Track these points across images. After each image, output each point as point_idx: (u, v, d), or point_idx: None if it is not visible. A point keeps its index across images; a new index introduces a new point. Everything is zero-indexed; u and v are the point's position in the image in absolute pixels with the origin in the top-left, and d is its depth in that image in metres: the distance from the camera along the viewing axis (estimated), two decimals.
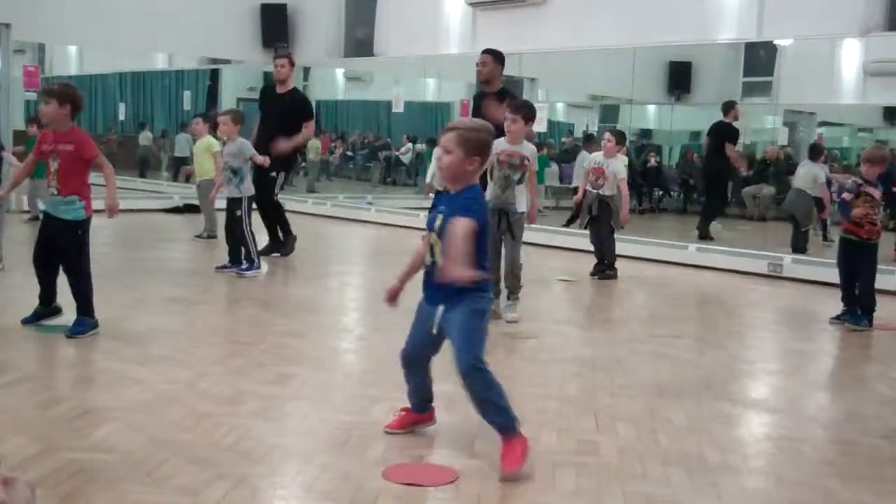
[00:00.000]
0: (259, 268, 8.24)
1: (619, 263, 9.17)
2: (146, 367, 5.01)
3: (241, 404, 4.40)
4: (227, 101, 17.42)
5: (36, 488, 2.97)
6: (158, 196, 15.30)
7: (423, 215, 11.76)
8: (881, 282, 8.65)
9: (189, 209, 13.59)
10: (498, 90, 7.72)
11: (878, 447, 4.24)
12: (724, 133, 11.80)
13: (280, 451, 3.78)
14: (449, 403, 4.53)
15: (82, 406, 4.26)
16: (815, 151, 11.19)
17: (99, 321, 5.73)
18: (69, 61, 17.30)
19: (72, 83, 5.91)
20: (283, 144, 9.25)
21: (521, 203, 6.67)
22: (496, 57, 7.80)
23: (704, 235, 11.56)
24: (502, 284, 6.73)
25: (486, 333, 3.79)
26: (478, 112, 7.97)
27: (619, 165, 8.97)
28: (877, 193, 6.89)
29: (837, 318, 7.17)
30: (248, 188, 8.22)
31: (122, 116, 18.18)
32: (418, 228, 11.68)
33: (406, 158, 18.25)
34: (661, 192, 16.67)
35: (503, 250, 6.71)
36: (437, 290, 3.68)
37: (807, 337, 7.06)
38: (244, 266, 8.22)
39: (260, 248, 8.67)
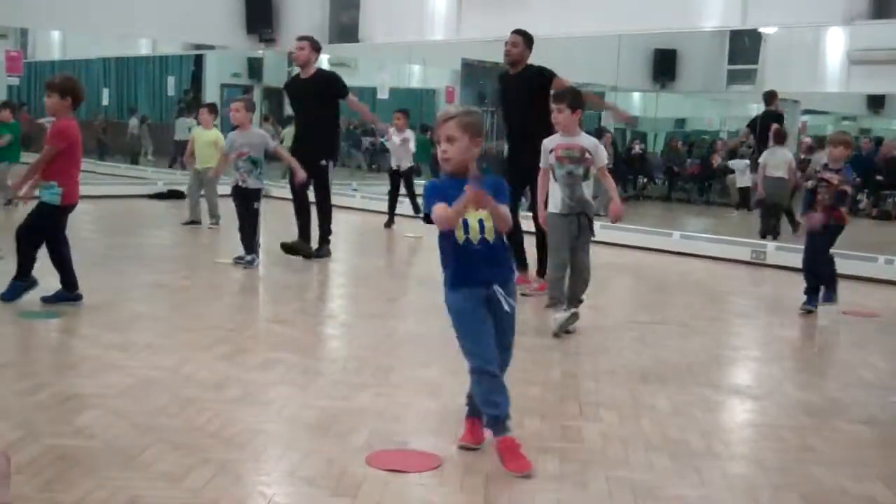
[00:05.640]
0: (257, 260, 8.13)
1: (602, 250, 9.17)
2: (130, 353, 5.00)
3: (225, 390, 4.39)
4: (211, 87, 17.33)
5: (10, 455, 2.97)
6: (142, 182, 15.21)
7: (408, 202, 11.76)
8: (857, 268, 8.75)
9: (173, 195, 13.51)
10: (521, 69, 7.50)
11: (859, 433, 4.26)
12: (777, 120, 11.53)
13: (264, 437, 3.78)
14: (434, 389, 4.54)
15: (65, 392, 4.24)
16: (779, 136, 11.19)
17: (42, 286, 6.01)
18: (52, 46, 17.16)
19: (73, 76, 6.18)
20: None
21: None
22: (526, 38, 7.51)
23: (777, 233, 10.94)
24: (567, 290, 6.03)
25: None
26: (502, 95, 7.78)
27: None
28: (833, 178, 7.05)
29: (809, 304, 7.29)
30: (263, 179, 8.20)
31: (105, 102, 18.06)
32: (403, 215, 11.70)
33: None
34: (645, 180, 16.70)
35: (574, 256, 6.02)
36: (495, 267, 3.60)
37: (790, 324, 7.08)
38: (248, 257, 8.06)
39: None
